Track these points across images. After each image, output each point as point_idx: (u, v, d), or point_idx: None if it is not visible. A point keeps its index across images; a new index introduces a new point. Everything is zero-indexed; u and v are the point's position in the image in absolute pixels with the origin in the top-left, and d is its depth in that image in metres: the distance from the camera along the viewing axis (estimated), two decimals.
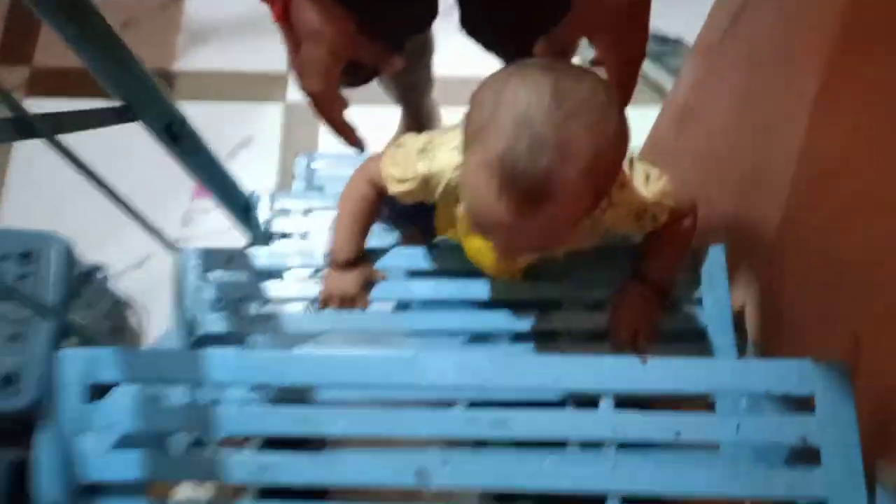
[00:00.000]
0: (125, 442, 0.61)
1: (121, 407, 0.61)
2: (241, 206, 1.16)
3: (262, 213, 1.19)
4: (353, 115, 0.78)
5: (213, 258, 0.89)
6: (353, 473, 0.58)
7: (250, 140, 1.87)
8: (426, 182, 0.76)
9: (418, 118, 1.66)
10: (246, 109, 1.89)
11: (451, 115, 1.78)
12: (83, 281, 1.46)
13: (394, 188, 0.79)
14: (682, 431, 0.59)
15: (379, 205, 0.86)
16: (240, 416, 0.60)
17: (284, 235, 1.14)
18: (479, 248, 0.80)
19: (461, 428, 0.59)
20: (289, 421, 0.60)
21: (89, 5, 0.71)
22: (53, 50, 1.89)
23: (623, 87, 0.66)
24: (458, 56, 1.31)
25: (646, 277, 0.82)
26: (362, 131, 0.81)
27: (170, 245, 0.90)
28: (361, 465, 0.58)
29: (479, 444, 0.64)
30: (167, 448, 0.64)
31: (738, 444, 0.59)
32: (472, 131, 0.58)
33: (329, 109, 0.78)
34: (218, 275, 0.89)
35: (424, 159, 0.75)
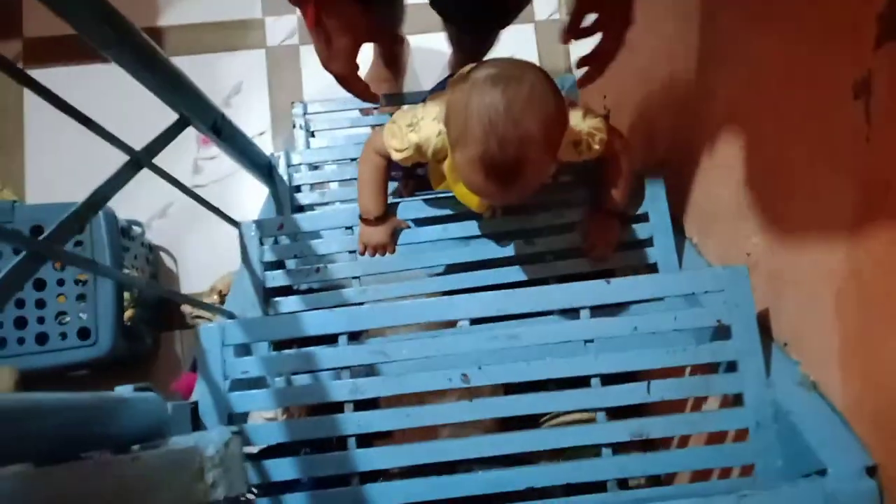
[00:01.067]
0: (254, 384, 0.88)
1: (249, 361, 0.87)
2: (265, 169, 1.37)
3: (282, 171, 1.41)
4: None
5: (267, 226, 1.11)
6: (419, 383, 0.85)
7: (240, 86, 2.02)
8: (419, 148, 0.98)
9: (392, 46, 1.82)
10: (231, 58, 2.02)
11: (416, 40, 1.94)
12: (125, 237, 1.67)
13: (395, 156, 1.01)
14: (639, 326, 0.85)
15: (389, 168, 1.07)
16: (331, 354, 0.86)
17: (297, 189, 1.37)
18: (465, 193, 1.00)
19: (487, 342, 0.85)
20: (367, 354, 0.86)
21: (158, 53, 0.89)
22: (40, 20, 1.99)
23: (615, 46, 0.92)
24: None
25: (602, 206, 1.06)
26: None
27: (233, 222, 1.12)
28: (424, 378, 0.85)
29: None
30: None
31: (677, 329, 0.86)
32: (455, 138, 0.82)
33: (353, 81, 1.02)
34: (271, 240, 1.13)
35: (414, 132, 0.97)
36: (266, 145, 1.97)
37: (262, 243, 1.11)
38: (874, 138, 0.67)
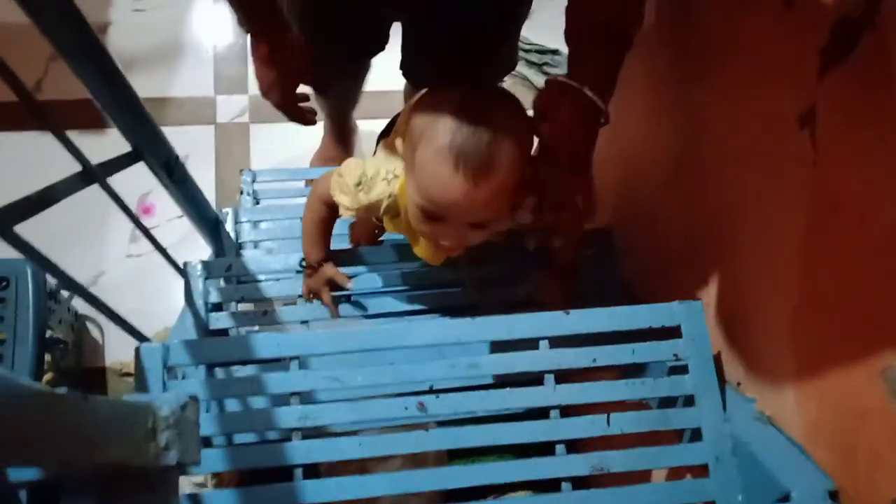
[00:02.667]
0: None
1: (190, 383, 0.81)
2: (211, 223, 1.34)
3: (229, 227, 1.39)
4: None
5: (215, 266, 1.08)
6: (373, 411, 0.81)
7: (186, 159, 2.01)
8: (369, 209, 0.93)
9: (342, 128, 1.86)
10: (180, 132, 2.03)
11: (366, 125, 1.99)
12: (52, 299, 1.59)
13: (344, 213, 0.95)
14: (598, 359, 0.85)
15: (332, 219, 1.03)
16: (280, 379, 0.82)
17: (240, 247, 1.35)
18: (421, 247, 0.97)
19: (446, 371, 0.83)
20: (319, 379, 0.82)
21: (120, 73, 0.89)
22: None
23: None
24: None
25: (554, 263, 1.03)
26: None
27: (177, 266, 1.09)
28: (379, 406, 0.81)
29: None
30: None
31: (635, 363, 0.86)
32: (418, 134, 0.75)
33: (289, 110, 1.10)
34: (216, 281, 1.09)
35: (363, 192, 0.91)
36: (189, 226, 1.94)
37: (206, 285, 1.07)
38: (821, 161, 0.71)
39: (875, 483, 0.67)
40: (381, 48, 1.32)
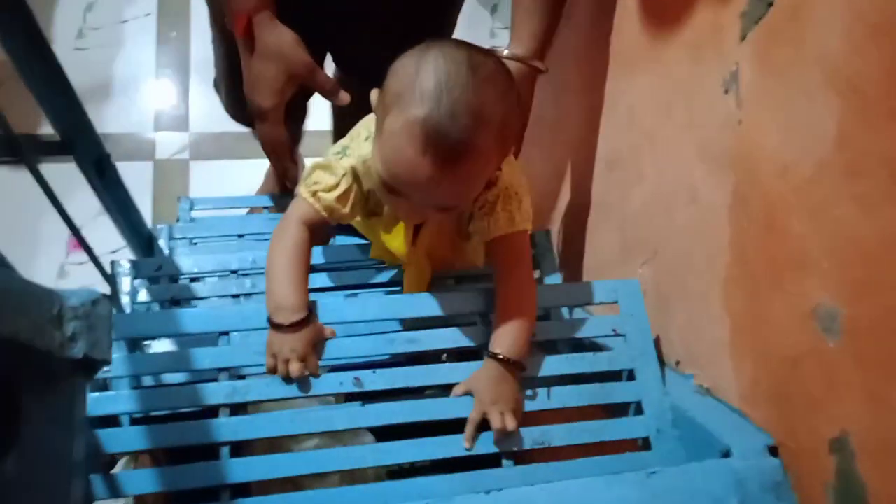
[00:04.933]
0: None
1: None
2: (144, 238, 1.31)
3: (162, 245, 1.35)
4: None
5: (143, 266, 1.04)
6: (307, 387, 0.77)
7: None
8: (356, 175, 0.79)
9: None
10: (118, 167, 1.99)
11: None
12: None
13: (328, 198, 0.79)
14: (538, 334, 0.84)
15: (311, 243, 0.82)
16: (210, 353, 0.78)
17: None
18: (390, 236, 0.87)
19: (386, 346, 0.80)
20: (252, 354, 0.78)
21: (50, 49, 0.87)
22: None
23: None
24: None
25: (497, 356, 0.78)
26: None
27: (104, 271, 1.04)
28: (313, 382, 0.78)
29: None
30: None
31: (572, 338, 0.85)
32: (393, 94, 0.65)
33: (272, 127, 0.88)
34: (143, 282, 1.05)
35: (346, 157, 0.80)
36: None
37: (134, 285, 1.03)
38: (745, 119, 0.74)
39: (812, 428, 0.66)
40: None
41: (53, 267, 1.84)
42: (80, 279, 1.84)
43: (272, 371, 0.77)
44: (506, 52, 0.88)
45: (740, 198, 0.76)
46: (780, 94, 0.69)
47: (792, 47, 0.67)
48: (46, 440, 0.45)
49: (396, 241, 0.87)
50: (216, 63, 1.26)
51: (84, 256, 1.98)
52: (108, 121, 2.06)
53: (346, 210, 0.81)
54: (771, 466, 0.70)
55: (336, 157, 0.81)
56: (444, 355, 0.99)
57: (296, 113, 1.46)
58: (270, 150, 0.93)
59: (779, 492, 0.68)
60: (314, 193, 0.80)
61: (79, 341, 0.43)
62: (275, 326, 0.76)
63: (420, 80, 0.64)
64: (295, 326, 0.75)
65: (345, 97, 0.89)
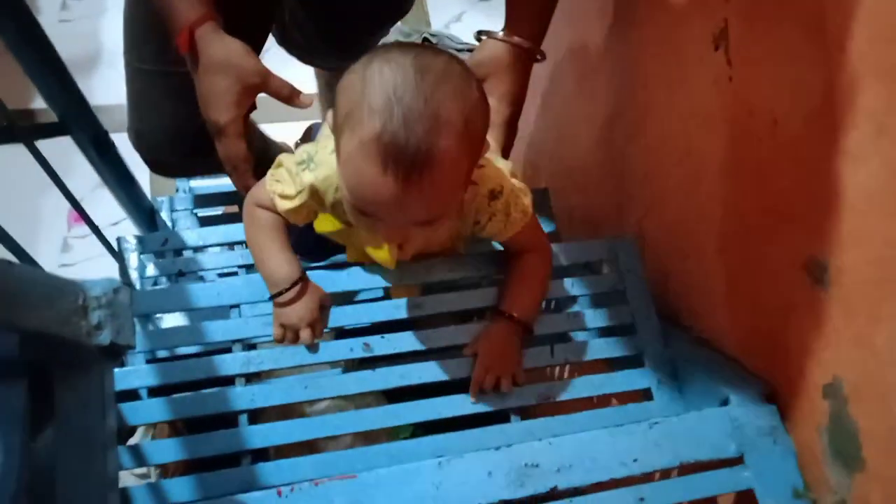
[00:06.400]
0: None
1: None
2: (146, 212, 1.32)
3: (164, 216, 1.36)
4: None
5: (149, 241, 1.06)
6: (318, 354, 0.80)
7: None
8: (315, 193, 0.75)
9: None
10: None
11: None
12: None
13: (284, 205, 0.76)
14: None
15: (284, 226, 0.80)
16: (223, 326, 0.80)
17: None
18: (372, 245, 0.80)
19: (391, 312, 0.83)
20: (262, 325, 0.81)
21: (40, 31, 0.88)
22: None
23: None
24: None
25: (510, 316, 0.81)
26: None
27: (110, 246, 1.05)
28: (323, 349, 0.80)
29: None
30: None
31: (574, 296, 0.88)
32: (344, 116, 0.60)
33: (232, 143, 0.80)
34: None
35: (308, 170, 0.74)
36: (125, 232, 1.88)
37: (142, 261, 1.05)
38: (736, 75, 0.75)
39: (805, 374, 0.69)
40: None
41: (57, 241, 1.85)
42: (83, 252, 1.86)
43: (280, 341, 0.79)
44: (500, 35, 0.84)
45: (732, 153, 0.77)
46: (768, 51, 0.70)
47: (776, 4, 0.68)
48: (80, 420, 0.47)
49: (382, 253, 0.79)
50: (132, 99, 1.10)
51: (86, 229, 2.00)
52: (98, 92, 2.04)
53: (301, 221, 0.80)
54: (767, 412, 0.73)
55: (299, 167, 0.75)
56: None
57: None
58: (231, 168, 0.83)
59: (775, 436, 0.71)
60: (274, 188, 0.77)
61: (104, 329, 0.45)
62: (277, 300, 0.78)
63: (367, 94, 0.58)
64: (296, 296, 0.77)
65: (306, 100, 0.82)
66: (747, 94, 0.74)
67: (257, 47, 1.03)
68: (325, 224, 0.83)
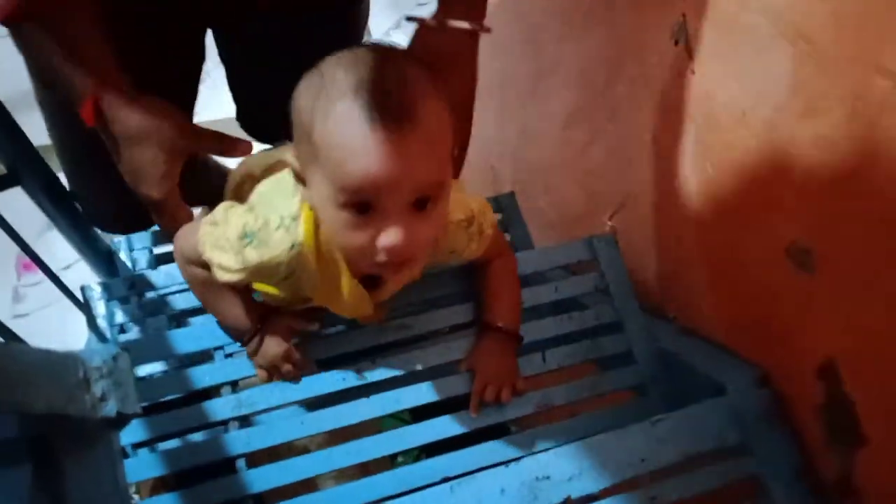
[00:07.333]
0: None
1: None
2: (103, 254, 1.28)
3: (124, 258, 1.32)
4: None
5: (115, 286, 1.02)
6: (311, 387, 0.79)
7: None
8: (260, 271, 0.67)
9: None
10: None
11: None
12: None
13: (222, 276, 0.68)
14: (525, 300, 0.86)
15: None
16: (209, 369, 0.78)
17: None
18: (343, 297, 0.70)
19: (379, 336, 0.82)
20: (250, 366, 0.79)
21: None
22: None
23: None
24: None
25: (499, 327, 0.80)
26: None
27: (74, 298, 1.01)
28: (317, 381, 0.79)
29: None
30: None
31: (559, 299, 0.88)
32: (308, 111, 0.56)
33: (174, 212, 0.74)
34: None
35: (253, 247, 0.65)
36: (80, 275, 1.80)
37: (109, 307, 1.01)
38: (699, 69, 0.76)
39: (798, 357, 0.71)
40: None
41: (6, 291, 1.79)
42: (37, 300, 1.79)
43: (267, 381, 0.78)
44: (433, 21, 0.73)
45: (701, 145, 0.79)
46: (730, 44, 0.72)
47: None
48: (89, 492, 0.45)
49: (354, 305, 0.73)
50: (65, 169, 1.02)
51: (38, 276, 1.92)
52: (39, 131, 1.97)
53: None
54: (764, 396, 0.74)
55: (239, 242, 0.65)
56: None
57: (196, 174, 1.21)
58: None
59: (774, 421, 0.72)
60: (210, 254, 0.68)
61: (109, 399, 0.43)
62: (246, 345, 0.77)
63: (331, 76, 0.55)
64: (260, 340, 0.76)
65: (245, 148, 0.74)
66: (712, 86, 0.75)
67: (189, 84, 0.96)
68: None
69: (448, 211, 0.63)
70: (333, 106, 0.54)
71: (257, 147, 0.83)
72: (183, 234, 0.73)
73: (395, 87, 0.54)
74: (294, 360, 0.77)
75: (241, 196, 0.77)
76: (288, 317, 0.78)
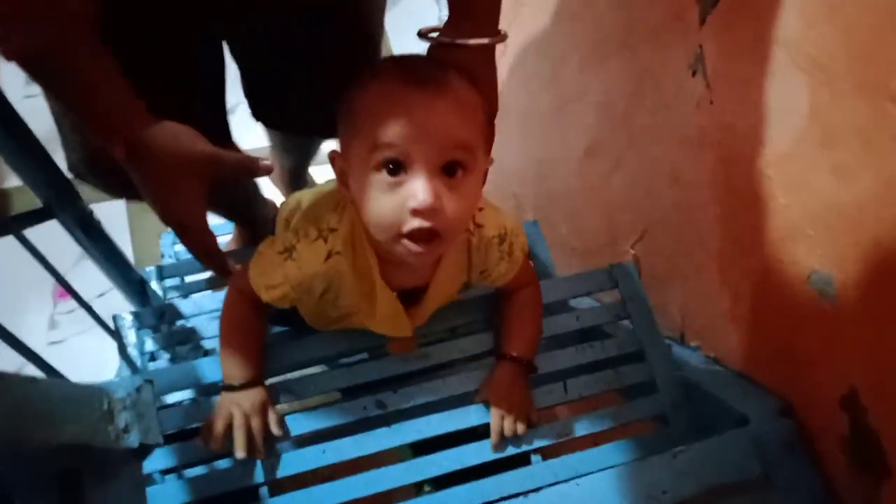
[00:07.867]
0: None
1: None
2: (136, 284, 1.31)
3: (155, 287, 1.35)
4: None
5: (145, 316, 1.05)
6: (331, 417, 0.79)
7: None
8: (300, 285, 0.72)
9: (254, 224, 1.52)
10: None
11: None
12: None
13: (270, 296, 0.73)
14: (545, 329, 0.86)
15: (259, 317, 0.79)
16: None
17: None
18: (383, 314, 0.76)
19: (400, 366, 0.83)
20: (274, 392, 0.80)
21: (20, 122, 0.87)
22: None
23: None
24: None
25: (513, 357, 0.81)
26: None
27: (107, 326, 1.03)
28: (336, 411, 0.80)
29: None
30: None
31: (581, 329, 0.88)
32: (353, 91, 0.63)
33: (198, 237, 0.75)
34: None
35: (292, 259, 0.71)
36: (114, 301, 1.83)
37: (140, 335, 1.04)
38: (717, 98, 0.77)
39: (820, 387, 0.70)
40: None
41: (43, 319, 1.83)
42: (72, 327, 1.83)
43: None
44: (444, 38, 0.70)
45: (721, 175, 0.79)
46: (747, 74, 0.72)
47: (750, 29, 0.70)
48: None
49: (390, 320, 0.77)
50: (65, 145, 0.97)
51: (72, 304, 1.97)
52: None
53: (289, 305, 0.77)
54: (786, 427, 0.73)
55: (280, 257, 0.71)
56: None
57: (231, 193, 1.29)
58: (204, 258, 0.78)
59: (796, 449, 0.71)
60: (255, 280, 0.74)
61: (132, 432, 0.45)
62: (225, 389, 0.76)
63: (370, 71, 0.63)
64: (241, 387, 0.75)
65: (266, 167, 0.74)
66: (730, 116, 0.75)
67: (215, 100, 0.98)
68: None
69: (480, 194, 0.67)
70: (374, 79, 0.62)
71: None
72: (243, 267, 0.76)
73: (429, 67, 0.62)
74: (271, 417, 0.76)
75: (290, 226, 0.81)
76: (269, 407, 0.77)
